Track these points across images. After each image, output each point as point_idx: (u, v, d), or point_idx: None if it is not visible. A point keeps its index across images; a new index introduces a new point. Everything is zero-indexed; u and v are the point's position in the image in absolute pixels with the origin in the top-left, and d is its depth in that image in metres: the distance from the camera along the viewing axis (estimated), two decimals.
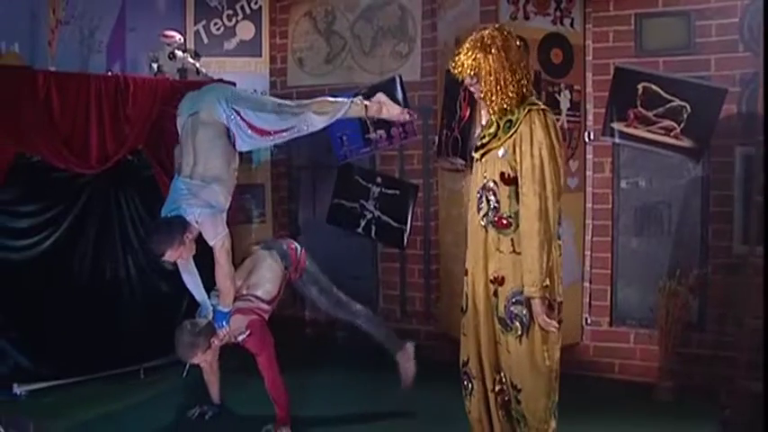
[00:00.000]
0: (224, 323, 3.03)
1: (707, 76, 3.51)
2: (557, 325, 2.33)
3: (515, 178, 2.31)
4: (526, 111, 2.32)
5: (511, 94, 2.31)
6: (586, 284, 3.86)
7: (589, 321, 3.86)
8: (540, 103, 2.37)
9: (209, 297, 3.16)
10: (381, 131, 4.31)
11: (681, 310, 3.45)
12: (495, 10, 3.61)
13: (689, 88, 3.52)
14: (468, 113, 3.75)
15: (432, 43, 4.26)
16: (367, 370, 3.97)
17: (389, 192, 4.36)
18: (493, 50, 2.29)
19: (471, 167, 3.74)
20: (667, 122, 3.57)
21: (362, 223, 4.42)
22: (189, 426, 3.23)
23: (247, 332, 3.03)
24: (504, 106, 2.33)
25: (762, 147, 3.27)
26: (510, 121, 2.34)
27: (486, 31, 2.35)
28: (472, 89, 2.40)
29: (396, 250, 4.41)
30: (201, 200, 3.01)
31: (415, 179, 4.35)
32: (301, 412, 3.02)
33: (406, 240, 4.33)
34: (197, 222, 2.99)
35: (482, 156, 2.41)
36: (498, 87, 2.30)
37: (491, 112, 2.38)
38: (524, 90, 2.34)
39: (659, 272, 3.59)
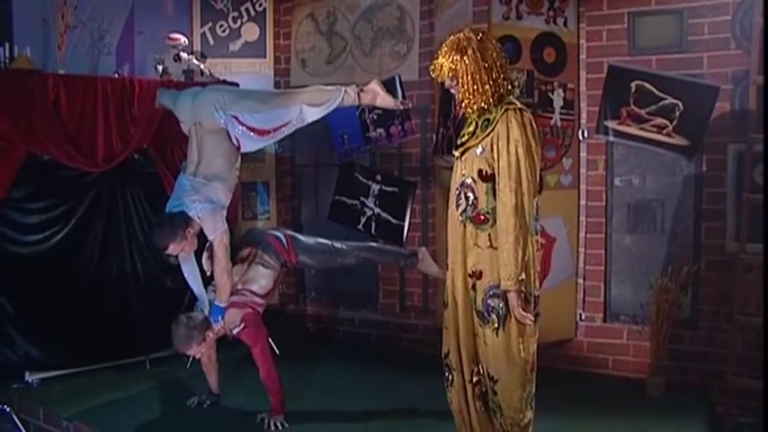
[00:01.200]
0: (219, 318, 3.14)
1: (699, 74, 3.52)
2: (532, 318, 2.38)
3: (493, 175, 2.37)
4: (503, 110, 2.37)
5: (488, 94, 2.37)
6: (580, 281, 3.89)
7: (583, 317, 3.89)
8: (517, 102, 2.42)
9: (206, 291, 3.28)
10: (381, 130, 4.39)
11: (672, 306, 3.47)
12: (488, 10, 3.65)
13: (681, 86, 3.53)
14: (461, 112, 3.81)
15: (429, 43, 4.31)
16: (367, 364, 4.06)
17: (389, 189, 4.44)
18: (469, 52, 2.36)
19: None
20: (660, 120, 3.59)
21: (363, 220, 4.50)
22: (188, 414, 3.35)
23: (242, 325, 3.13)
24: (482, 105, 2.39)
25: (753, 144, 3.29)
26: (488, 119, 2.40)
27: (462, 34, 2.42)
28: (452, 90, 2.46)
29: None
30: (203, 196, 3.13)
31: (413, 177, 4.42)
32: (302, 405, 3.10)
33: (405, 237, 4.40)
34: (198, 217, 3.11)
35: (461, 154, 2.48)
36: (475, 87, 2.36)
37: (469, 111, 2.44)
38: (501, 89, 2.40)
39: (652, 269, 3.61)
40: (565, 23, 3.71)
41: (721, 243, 3.54)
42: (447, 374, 2.59)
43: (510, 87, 2.44)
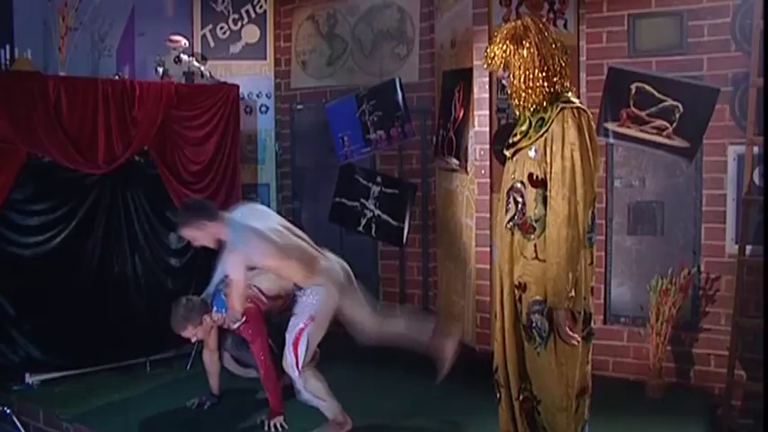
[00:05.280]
0: (223, 309, 3.16)
1: (699, 76, 3.51)
2: (579, 339, 2.20)
3: (544, 181, 2.18)
4: (559, 109, 2.17)
5: (540, 90, 2.17)
6: None
7: None
8: (576, 101, 2.22)
9: (216, 288, 3.27)
10: (381, 132, 4.39)
11: (672, 308, 3.46)
12: (488, 12, 3.66)
13: (681, 88, 3.52)
14: (461, 114, 3.82)
15: (429, 45, 4.33)
16: (367, 364, 4.05)
17: (389, 191, 4.43)
18: (524, 42, 2.17)
19: (464, 167, 3.85)
20: (660, 122, 3.58)
21: (363, 222, 4.50)
22: (188, 415, 3.35)
23: (243, 319, 3.13)
24: (533, 102, 2.20)
25: (753, 146, 3.29)
26: (542, 119, 2.20)
27: (520, 21, 2.24)
28: (504, 82, 2.29)
29: (395, 248, 4.49)
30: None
31: (413, 179, 4.42)
32: (302, 405, 3.09)
33: (405, 239, 4.40)
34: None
35: (513, 155, 2.29)
36: (527, 83, 2.18)
37: (521, 108, 2.25)
38: (556, 87, 2.19)
39: (652, 270, 3.61)
40: (565, 25, 3.71)
41: (721, 245, 3.54)
42: (496, 392, 2.40)
43: (566, 85, 2.23)
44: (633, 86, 3.61)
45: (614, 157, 3.76)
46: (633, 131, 3.64)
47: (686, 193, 3.62)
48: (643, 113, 3.61)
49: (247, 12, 4.77)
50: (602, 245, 3.83)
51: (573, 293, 2.16)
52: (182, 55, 4.28)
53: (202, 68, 4.36)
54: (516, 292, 2.28)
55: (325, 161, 4.66)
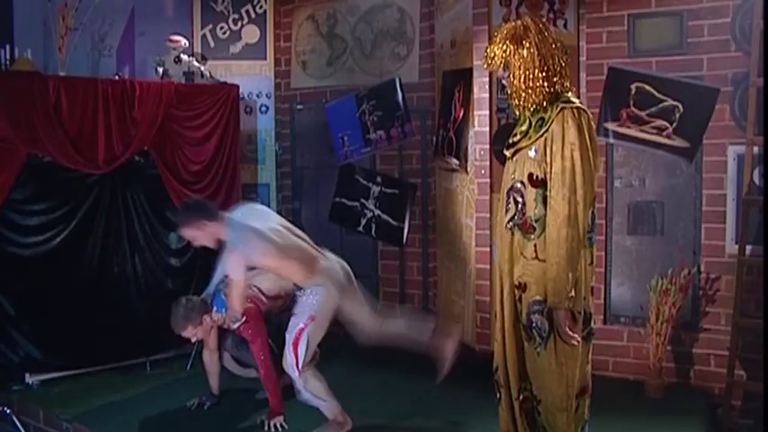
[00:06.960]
0: (223, 309, 3.16)
1: (699, 76, 3.52)
2: (579, 339, 2.21)
3: (544, 181, 2.19)
4: (559, 109, 2.17)
5: (540, 90, 2.18)
6: None
7: None
8: (576, 101, 2.23)
9: (216, 288, 3.27)
10: (381, 132, 4.39)
11: (671, 308, 3.46)
12: (488, 12, 3.66)
13: (681, 88, 3.53)
14: (461, 114, 3.82)
15: (429, 45, 4.33)
16: (367, 364, 4.06)
17: (389, 191, 4.44)
18: (524, 42, 2.18)
19: (464, 167, 3.85)
20: (660, 122, 3.59)
21: (363, 222, 4.51)
22: (188, 415, 3.35)
23: (243, 319, 3.13)
24: (533, 102, 2.20)
25: (753, 146, 3.29)
26: (542, 119, 2.21)
27: (520, 21, 2.25)
28: (504, 82, 2.30)
29: (395, 248, 4.49)
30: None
31: (413, 179, 4.42)
32: (302, 405, 3.11)
33: (405, 239, 4.40)
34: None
35: (513, 155, 2.30)
36: (527, 83, 2.18)
37: (521, 108, 2.26)
38: (557, 87, 2.20)
39: (652, 270, 3.61)
40: (565, 25, 3.71)
41: (721, 245, 3.54)
42: (496, 392, 2.41)
43: (566, 85, 2.23)
44: (633, 86, 3.62)
45: (614, 157, 3.76)
46: (633, 131, 3.64)
47: (686, 193, 3.62)
48: (643, 113, 3.62)
49: (247, 12, 4.77)
50: (602, 245, 3.83)
51: (573, 293, 2.16)
52: (182, 55, 4.28)
53: (202, 68, 4.36)
54: (516, 292, 2.28)
55: (326, 161, 4.67)
